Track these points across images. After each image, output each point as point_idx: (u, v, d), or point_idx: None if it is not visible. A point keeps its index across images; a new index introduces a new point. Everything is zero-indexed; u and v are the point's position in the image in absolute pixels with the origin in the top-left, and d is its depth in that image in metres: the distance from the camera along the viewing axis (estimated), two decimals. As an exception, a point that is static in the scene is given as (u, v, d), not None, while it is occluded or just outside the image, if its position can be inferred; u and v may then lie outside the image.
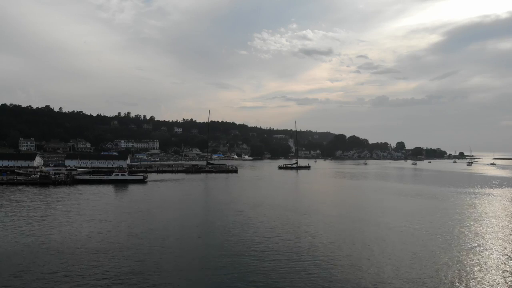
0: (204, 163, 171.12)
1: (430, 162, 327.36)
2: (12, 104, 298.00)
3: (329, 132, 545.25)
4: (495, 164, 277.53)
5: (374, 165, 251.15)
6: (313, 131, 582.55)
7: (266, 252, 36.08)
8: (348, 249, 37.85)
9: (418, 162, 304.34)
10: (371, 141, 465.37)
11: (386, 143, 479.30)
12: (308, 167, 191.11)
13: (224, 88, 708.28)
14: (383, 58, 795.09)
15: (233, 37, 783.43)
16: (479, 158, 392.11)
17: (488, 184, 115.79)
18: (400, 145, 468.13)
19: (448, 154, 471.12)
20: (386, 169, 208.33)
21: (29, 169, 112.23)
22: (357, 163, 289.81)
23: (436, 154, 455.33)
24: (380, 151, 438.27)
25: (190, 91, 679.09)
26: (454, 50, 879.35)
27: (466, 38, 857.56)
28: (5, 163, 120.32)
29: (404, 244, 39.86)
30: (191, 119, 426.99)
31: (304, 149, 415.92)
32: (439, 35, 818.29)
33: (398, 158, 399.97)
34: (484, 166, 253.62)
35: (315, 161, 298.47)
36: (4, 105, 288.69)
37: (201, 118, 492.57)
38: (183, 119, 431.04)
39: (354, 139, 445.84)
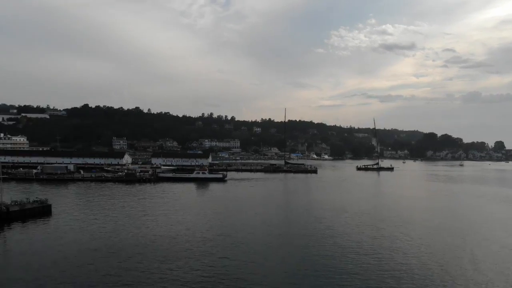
0: (282, 162, 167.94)
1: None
2: (105, 106, 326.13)
3: (417, 130, 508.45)
4: None
5: (471, 167, 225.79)
6: (399, 129, 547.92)
7: (354, 275, 31.04)
8: (457, 272, 31.07)
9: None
10: (465, 141, 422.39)
11: (483, 143, 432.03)
12: (391, 169, 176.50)
13: (302, 87, 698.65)
14: (472, 51, 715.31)
15: (309, 36, 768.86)
16: None
17: None
18: (499, 144, 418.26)
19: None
20: (487, 172, 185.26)
21: (117, 167, 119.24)
22: (452, 164, 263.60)
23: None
24: (477, 151, 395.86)
25: (268, 92, 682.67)
26: None
27: None
28: (97, 160, 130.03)
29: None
30: (269, 119, 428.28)
31: (390, 148, 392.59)
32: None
33: (497, 159, 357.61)
34: None
35: (404, 162, 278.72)
36: (98, 106, 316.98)
37: (279, 117, 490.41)
38: (262, 118, 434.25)
39: (446, 138, 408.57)
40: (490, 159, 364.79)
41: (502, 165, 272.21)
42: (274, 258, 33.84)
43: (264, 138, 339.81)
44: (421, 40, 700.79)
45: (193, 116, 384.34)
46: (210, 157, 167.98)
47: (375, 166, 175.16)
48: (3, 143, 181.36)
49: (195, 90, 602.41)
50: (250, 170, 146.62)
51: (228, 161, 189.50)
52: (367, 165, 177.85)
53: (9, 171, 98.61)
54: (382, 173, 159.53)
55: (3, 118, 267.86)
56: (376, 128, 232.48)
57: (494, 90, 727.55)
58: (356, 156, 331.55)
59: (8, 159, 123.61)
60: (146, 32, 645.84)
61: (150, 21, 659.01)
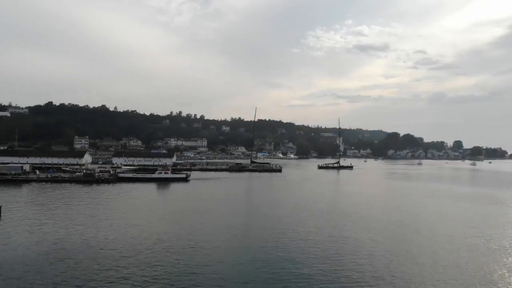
0: (249, 161, 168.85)
1: (490, 163, 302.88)
2: (70, 103, 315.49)
3: (381, 130, 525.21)
4: None
5: (429, 166, 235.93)
6: (364, 129, 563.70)
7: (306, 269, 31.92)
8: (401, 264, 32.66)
9: (478, 163, 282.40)
10: (426, 140, 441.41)
11: (442, 142, 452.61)
12: (350, 167, 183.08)
13: (274, 87, 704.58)
14: (442, 53, 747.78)
15: (286, 35, 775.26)
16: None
17: None
18: (458, 144, 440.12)
19: (509, 154, 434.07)
20: (443, 170, 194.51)
21: (76, 167, 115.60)
22: (411, 163, 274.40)
23: (497, 154, 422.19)
24: (436, 150, 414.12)
25: (241, 91, 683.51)
26: None
27: None
28: (55, 160, 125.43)
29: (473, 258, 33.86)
30: (239, 118, 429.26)
31: (353, 148, 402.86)
32: (504, 27, 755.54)
33: (455, 158, 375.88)
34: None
35: (365, 161, 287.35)
36: (62, 104, 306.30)
37: (250, 117, 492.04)
38: (232, 117, 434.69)
39: (408, 137, 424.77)
40: (448, 158, 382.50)
41: (458, 163, 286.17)
42: (229, 259, 34.09)
43: (232, 137, 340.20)
44: (395, 42, 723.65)
45: (161, 115, 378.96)
46: (174, 157, 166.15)
47: (335, 165, 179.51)
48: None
49: (166, 88, 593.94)
50: (215, 170, 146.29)
51: (193, 161, 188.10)
52: (328, 164, 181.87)
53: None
54: (342, 171, 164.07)
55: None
56: (342, 127, 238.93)
57: (459, 91, 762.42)
58: (321, 155, 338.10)
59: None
60: (122, 29, 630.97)
61: (127, 18, 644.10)
